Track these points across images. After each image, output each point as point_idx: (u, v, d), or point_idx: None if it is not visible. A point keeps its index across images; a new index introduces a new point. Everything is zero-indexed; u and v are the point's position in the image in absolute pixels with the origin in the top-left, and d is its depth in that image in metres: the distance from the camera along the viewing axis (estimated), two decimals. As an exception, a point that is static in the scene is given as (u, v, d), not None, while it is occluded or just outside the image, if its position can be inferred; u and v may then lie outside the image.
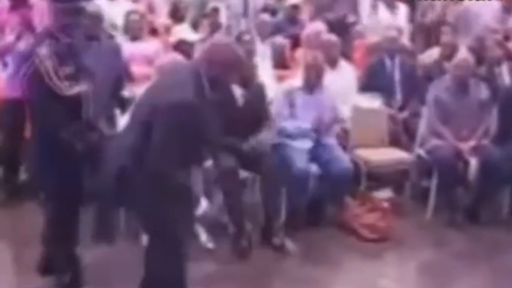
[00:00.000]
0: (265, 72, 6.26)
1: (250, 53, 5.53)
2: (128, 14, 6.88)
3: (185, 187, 3.52)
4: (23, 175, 5.89)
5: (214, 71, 3.51)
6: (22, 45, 5.22)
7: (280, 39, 7.51)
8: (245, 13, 8.67)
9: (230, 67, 3.59)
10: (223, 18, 8.33)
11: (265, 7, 8.85)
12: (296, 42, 7.38)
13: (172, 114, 3.35)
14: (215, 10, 8.11)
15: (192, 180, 3.59)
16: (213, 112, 3.67)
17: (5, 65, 5.64)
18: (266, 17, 7.96)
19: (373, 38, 7.56)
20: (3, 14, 5.86)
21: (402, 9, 8.45)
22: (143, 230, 3.88)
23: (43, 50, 4.01)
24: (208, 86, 3.51)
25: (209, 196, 5.15)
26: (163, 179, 3.38)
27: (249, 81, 5.28)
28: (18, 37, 5.48)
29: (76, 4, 4.16)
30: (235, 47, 3.68)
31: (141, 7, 7.89)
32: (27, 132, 4.98)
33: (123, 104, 4.93)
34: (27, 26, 5.57)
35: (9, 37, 5.58)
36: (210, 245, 5.04)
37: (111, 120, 5.10)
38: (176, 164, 3.38)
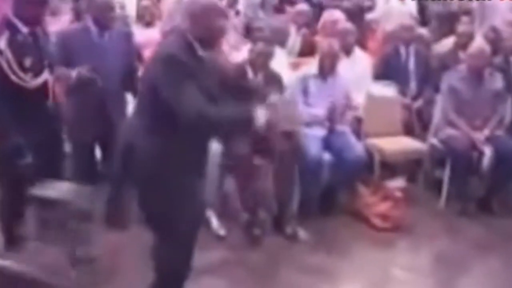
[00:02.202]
0: (278, 60, 6.22)
1: (261, 40, 5.44)
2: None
3: (194, 162, 3.48)
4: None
5: (198, 27, 3.38)
6: None
7: (305, 31, 7.38)
8: (262, 4, 8.63)
9: (212, 18, 3.40)
10: (240, 6, 8.29)
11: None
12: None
13: (160, 67, 3.29)
14: None
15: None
16: (210, 72, 3.55)
17: None
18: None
19: (388, 26, 7.52)
20: None
21: None
22: (147, 218, 3.67)
23: (2, 42, 3.92)
24: (199, 46, 3.40)
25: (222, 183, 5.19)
26: (171, 148, 3.33)
27: (260, 67, 5.22)
28: None
29: None
30: None
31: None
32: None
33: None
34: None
35: None
36: (221, 232, 5.04)
37: (122, 107, 5.09)
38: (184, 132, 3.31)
